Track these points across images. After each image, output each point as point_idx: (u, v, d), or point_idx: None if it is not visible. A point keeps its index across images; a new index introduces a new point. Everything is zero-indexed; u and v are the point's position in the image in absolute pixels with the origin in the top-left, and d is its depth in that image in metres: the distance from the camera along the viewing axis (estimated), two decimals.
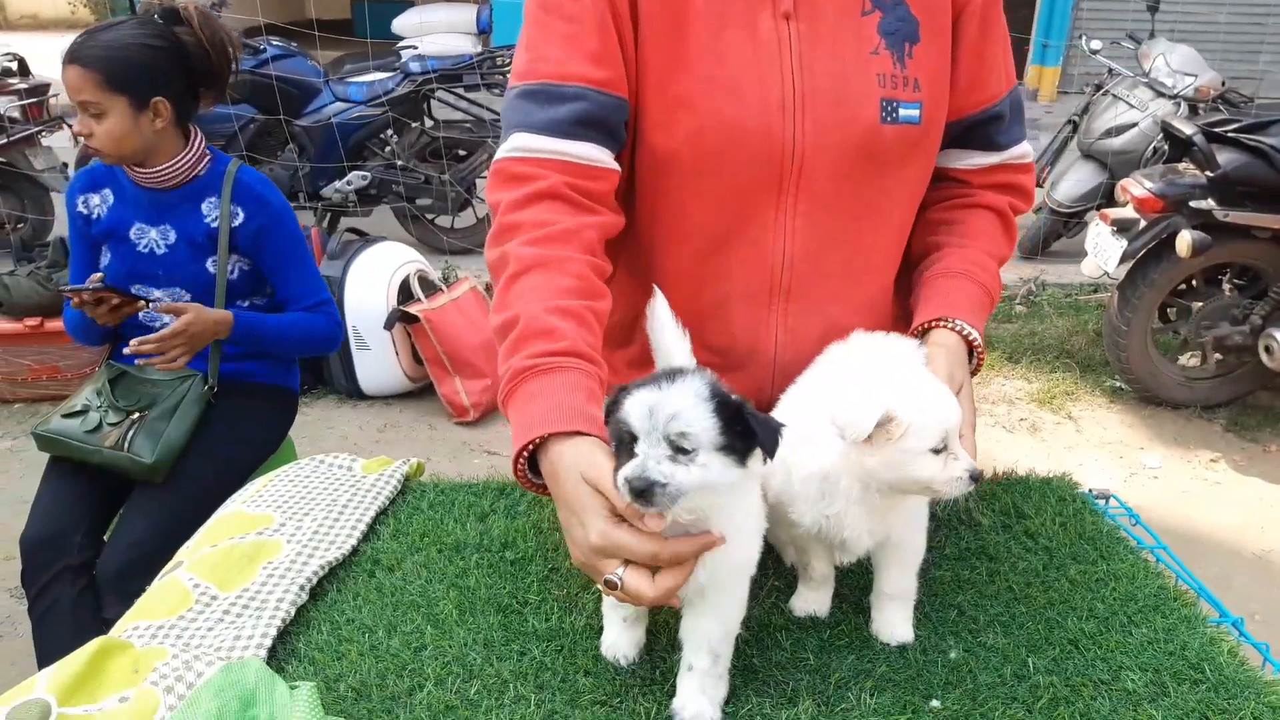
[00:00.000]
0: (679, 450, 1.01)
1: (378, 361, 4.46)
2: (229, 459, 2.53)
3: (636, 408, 1.02)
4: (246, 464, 2.57)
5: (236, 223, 2.50)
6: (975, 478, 1.17)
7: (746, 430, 1.03)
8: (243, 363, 2.59)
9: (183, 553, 1.48)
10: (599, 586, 1.12)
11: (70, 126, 6.24)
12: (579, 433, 1.13)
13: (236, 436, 2.56)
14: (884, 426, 1.14)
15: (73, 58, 2.32)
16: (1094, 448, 4.41)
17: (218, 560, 1.40)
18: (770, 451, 1.05)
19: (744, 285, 1.45)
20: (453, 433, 4.37)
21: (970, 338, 1.41)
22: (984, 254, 1.51)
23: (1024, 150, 1.56)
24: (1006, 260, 1.57)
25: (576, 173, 1.32)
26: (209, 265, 2.50)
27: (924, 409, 1.15)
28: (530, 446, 1.15)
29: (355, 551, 1.47)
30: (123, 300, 2.43)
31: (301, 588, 1.33)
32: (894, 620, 1.32)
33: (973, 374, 1.42)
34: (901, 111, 1.38)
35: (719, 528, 1.09)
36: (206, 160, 2.53)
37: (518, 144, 1.33)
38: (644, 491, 1.00)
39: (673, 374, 1.05)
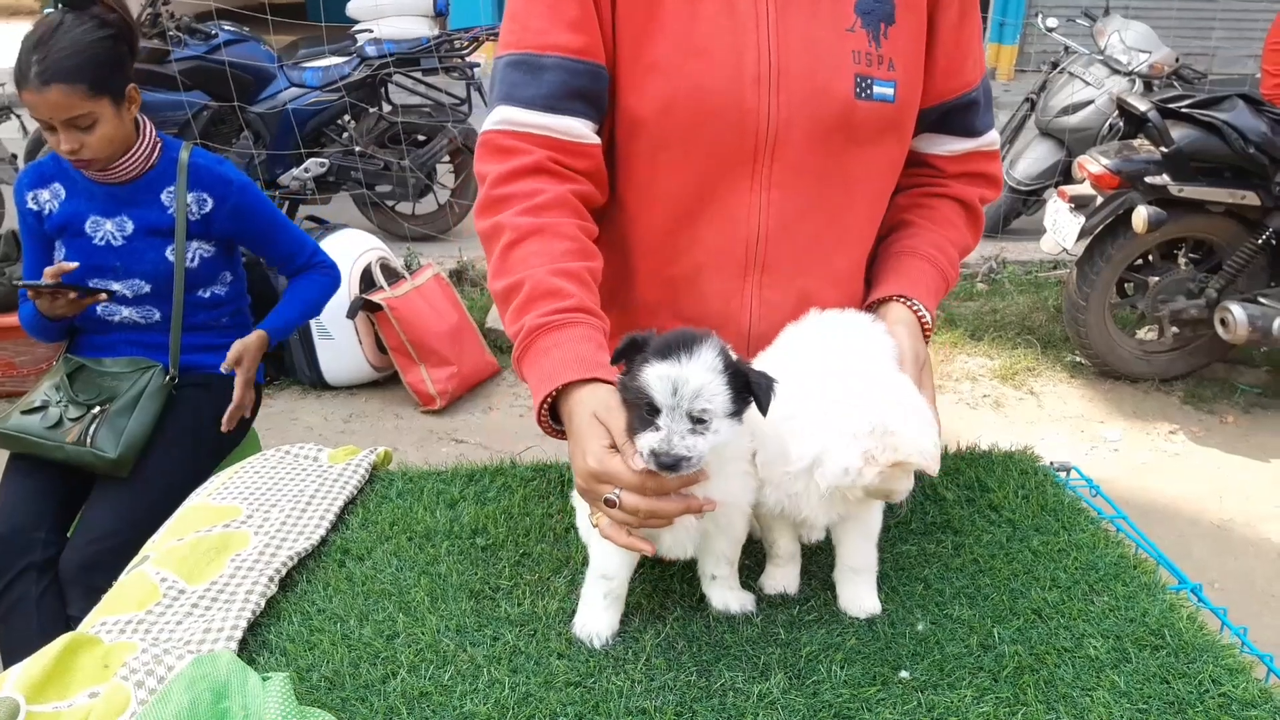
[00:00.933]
0: (698, 421, 1.11)
1: (341, 351, 4.42)
2: (192, 451, 2.50)
3: (659, 382, 1.10)
4: (210, 456, 2.55)
5: (208, 209, 2.47)
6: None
7: (750, 393, 1.14)
8: (203, 354, 2.56)
9: (148, 547, 1.47)
10: (594, 518, 1.21)
11: (18, 116, 6.10)
12: (595, 379, 1.22)
13: (199, 428, 2.53)
14: None
15: (50, 77, 2.22)
16: (1055, 422, 4.48)
17: (185, 554, 1.39)
18: (766, 410, 1.14)
19: (717, 256, 1.47)
20: (419, 421, 4.35)
21: (924, 320, 1.46)
22: (947, 240, 1.56)
23: (994, 137, 1.61)
24: (969, 250, 1.62)
25: (559, 148, 1.38)
26: (169, 254, 2.47)
27: (934, 439, 1.21)
28: (552, 395, 1.24)
29: (324, 541, 1.46)
30: (81, 294, 2.39)
31: (270, 579, 1.33)
32: (860, 593, 1.34)
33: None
34: (876, 89, 1.40)
35: (715, 471, 1.19)
36: (159, 148, 2.49)
37: (503, 116, 1.38)
38: (672, 465, 1.11)
39: (688, 343, 1.11)
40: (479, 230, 1.39)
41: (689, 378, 1.09)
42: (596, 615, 1.27)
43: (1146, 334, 4.86)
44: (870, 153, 1.46)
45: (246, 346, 2.52)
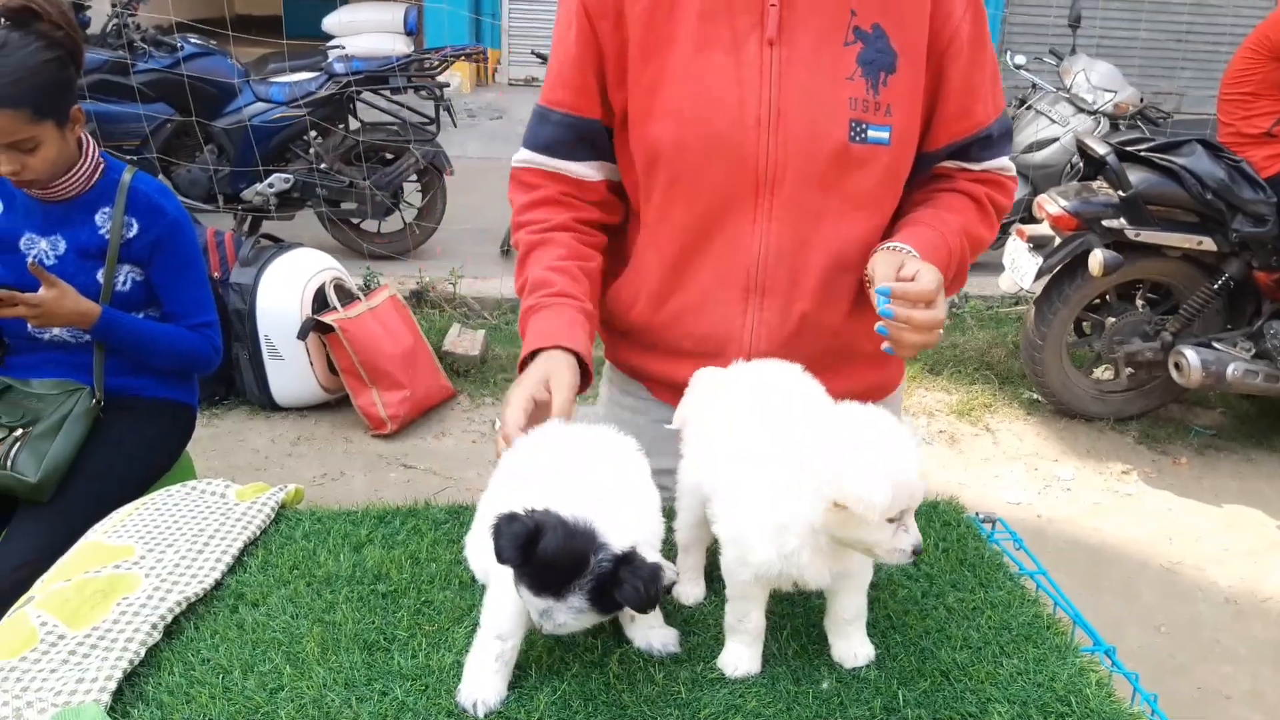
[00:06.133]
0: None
1: (292, 372, 4.35)
2: (118, 477, 2.44)
3: (533, 604, 1.17)
4: (137, 482, 2.48)
5: (131, 234, 2.42)
6: (916, 552, 1.18)
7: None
8: (132, 377, 2.51)
9: (36, 586, 1.42)
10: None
11: None
12: (558, 346, 1.47)
13: (126, 454, 2.47)
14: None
15: None
16: (1010, 460, 4.48)
17: (70, 595, 1.34)
18: (646, 611, 1.21)
19: (721, 282, 1.59)
20: (369, 445, 4.29)
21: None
22: (953, 217, 1.61)
23: (1006, 164, 1.68)
24: (982, 241, 1.68)
25: (567, 184, 1.65)
26: (100, 276, 2.42)
27: (899, 481, 1.13)
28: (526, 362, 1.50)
29: (219, 585, 1.41)
30: (2, 299, 2.30)
31: (154, 625, 1.28)
32: (854, 644, 1.31)
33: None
34: (870, 133, 1.52)
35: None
36: (101, 169, 2.45)
37: (524, 156, 1.66)
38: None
39: (560, 581, 1.14)
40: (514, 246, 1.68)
41: (554, 614, 1.16)
42: (484, 681, 1.21)
43: (1103, 374, 4.88)
44: (865, 186, 1.56)
45: (63, 299, 2.29)
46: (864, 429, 1.20)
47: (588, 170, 1.65)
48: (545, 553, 1.13)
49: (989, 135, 1.63)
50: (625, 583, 1.14)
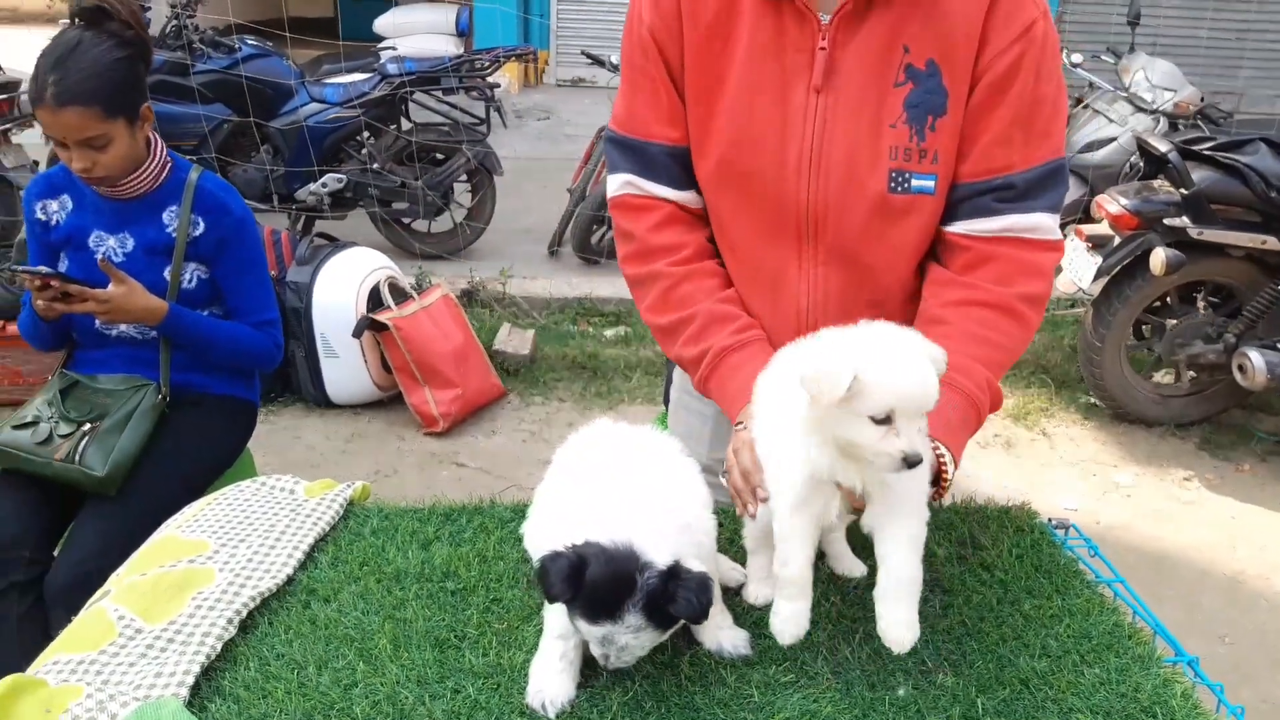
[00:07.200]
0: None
1: (346, 370, 4.39)
2: (183, 472, 2.47)
3: (591, 637, 1.19)
4: (201, 477, 2.52)
5: (197, 232, 2.45)
6: (911, 463, 1.15)
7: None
8: (197, 373, 2.54)
9: (112, 580, 1.44)
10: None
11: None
12: None
13: (190, 449, 2.50)
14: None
15: (67, 99, 2.20)
16: (1067, 465, 4.40)
17: (146, 590, 1.35)
18: (700, 621, 1.23)
19: (774, 322, 1.59)
20: (421, 444, 4.31)
21: (939, 455, 1.35)
22: (970, 359, 1.44)
23: (1036, 223, 1.47)
24: (1016, 352, 1.52)
25: (676, 207, 1.60)
26: (167, 274, 2.45)
27: (880, 376, 1.13)
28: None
29: (291, 580, 1.42)
30: (72, 295, 2.32)
31: (230, 621, 1.29)
32: (900, 614, 1.24)
33: (936, 495, 1.34)
34: (914, 182, 1.46)
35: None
36: (168, 167, 2.48)
37: (629, 180, 1.60)
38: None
39: (612, 604, 1.15)
40: (630, 275, 1.62)
41: (615, 639, 1.17)
42: (551, 680, 1.22)
43: (1163, 377, 4.77)
44: (911, 238, 1.52)
45: (131, 296, 2.32)
46: (868, 335, 1.21)
47: (689, 198, 1.61)
48: (593, 581, 1.14)
49: (1010, 184, 1.45)
50: (678, 596, 1.15)
